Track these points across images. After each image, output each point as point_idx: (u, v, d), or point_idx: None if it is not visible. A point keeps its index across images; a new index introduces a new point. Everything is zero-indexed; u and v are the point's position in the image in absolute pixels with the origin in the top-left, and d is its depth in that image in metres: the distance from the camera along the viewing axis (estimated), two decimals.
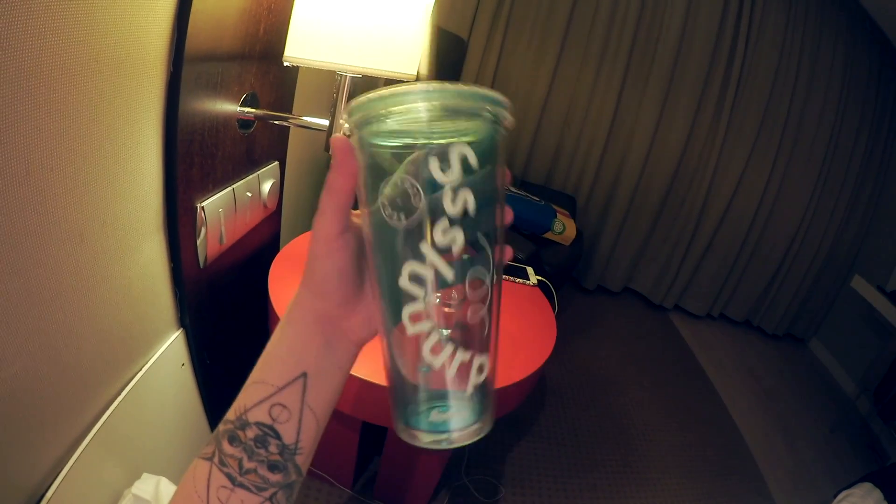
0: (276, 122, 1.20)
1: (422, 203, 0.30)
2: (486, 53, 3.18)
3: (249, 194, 1.16)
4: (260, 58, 1.06)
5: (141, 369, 0.93)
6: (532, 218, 2.57)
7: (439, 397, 0.33)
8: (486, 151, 0.31)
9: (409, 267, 0.31)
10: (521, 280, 1.61)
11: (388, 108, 0.29)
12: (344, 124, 0.29)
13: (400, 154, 0.31)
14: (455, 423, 0.33)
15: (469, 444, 0.34)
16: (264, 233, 1.34)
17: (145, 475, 0.93)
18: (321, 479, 1.62)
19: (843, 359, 3.59)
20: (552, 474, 1.97)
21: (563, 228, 2.65)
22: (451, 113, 0.29)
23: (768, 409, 2.94)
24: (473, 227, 0.31)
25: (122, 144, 0.74)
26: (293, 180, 1.63)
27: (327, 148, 1.02)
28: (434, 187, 0.30)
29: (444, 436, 0.33)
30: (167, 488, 0.92)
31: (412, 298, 0.31)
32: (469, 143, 0.30)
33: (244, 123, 1.08)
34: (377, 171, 0.32)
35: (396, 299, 0.32)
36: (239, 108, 1.04)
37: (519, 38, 3.18)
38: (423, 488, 1.58)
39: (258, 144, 1.18)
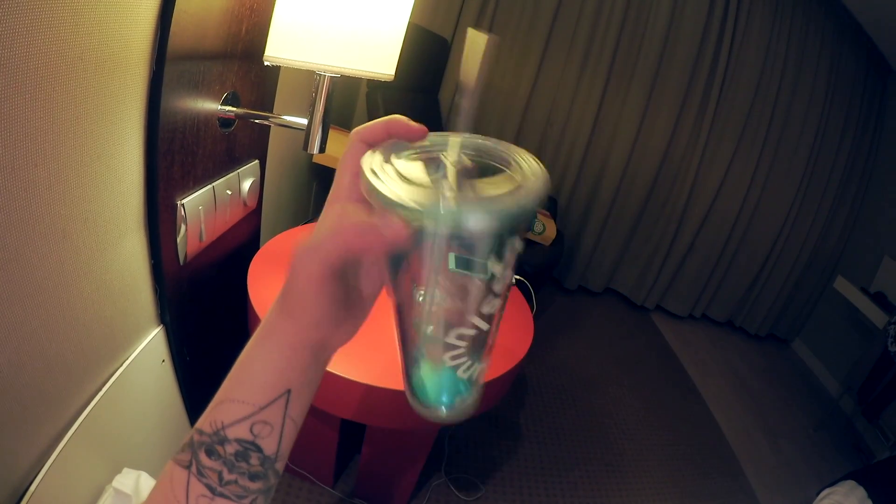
0: (257, 121, 1.21)
1: (475, 289, 0.33)
2: None
3: (229, 192, 1.17)
4: (242, 57, 1.07)
5: (122, 365, 0.94)
6: None
7: (453, 388, 0.37)
8: (523, 232, 0.33)
9: (458, 331, 0.34)
10: None
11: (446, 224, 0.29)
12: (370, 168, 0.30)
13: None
14: (462, 402, 0.38)
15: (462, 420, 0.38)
16: (244, 231, 1.35)
17: (126, 470, 0.94)
18: (302, 477, 1.62)
19: (826, 359, 3.64)
20: (533, 473, 1.98)
21: (544, 229, 2.67)
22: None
23: (751, 408, 2.98)
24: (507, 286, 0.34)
25: (104, 142, 0.74)
26: (273, 179, 1.64)
27: (306, 147, 1.04)
28: (485, 281, 0.32)
29: (454, 411, 0.37)
30: (147, 482, 0.93)
31: (455, 348, 0.35)
32: (516, 237, 0.32)
33: (225, 122, 1.08)
34: (434, 255, 0.32)
35: (440, 348, 0.35)
36: (220, 107, 1.04)
37: (503, 39, 3.19)
38: (404, 486, 1.59)
39: (239, 143, 1.19)
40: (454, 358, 0.35)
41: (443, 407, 0.37)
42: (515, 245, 0.32)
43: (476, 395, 0.38)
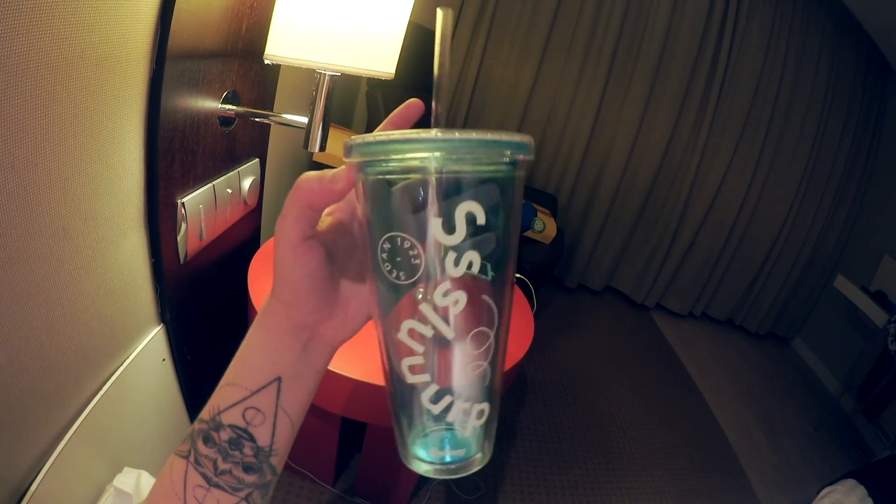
0: (257, 120, 1.21)
1: (422, 264, 0.28)
2: (469, 52, 3.20)
3: (230, 191, 1.17)
4: (242, 55, 1.07)
5: (122, 364, 0.94)
6: None
7: (438, 436, 0.33)
8: (498, 200, 0.28)
9: (409, 324, 0.29)
10: None
11: (389, 155, 0.27)
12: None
13: (403, 199, 0.28)
14: (453, 457, 0.32)
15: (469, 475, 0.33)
16: (244, 229, 1.35)
17: (126, 469, 0.94)
18: (302, 476, 1.62)
19: (826, 358, 3.64)
20: (533, 471, 1.98)
21: (544, 227, 2.67)
22: (459, 161, 0.27)
23: (751, 407, 2.98)
24: (480, 283, 0.29)
25: (104, 140, 0.74)
26: (273, 177, 1.64)
27: (306, 145, 1.04)
28: (436, 248, 0.27)
29: (442, 466, 0.32)
30: (148, 481, 0.93)
31: (411, 352, 0.30)
32: (479, 196, 0.27)
33: (225, 121, 1.08)
34: (380, 213, 0.29)
35: (395, 348, 0.31)
36: (220, 106, 1.04)
37: (503, 37, 3.19)
38: (404, 485, 1.59)
39: (239, 141, 1.19)
40: (413, 371, 0.30)
41: (412, 458, 0.33)
42: (479, 217, 0.27)
43: (467, 449, 0.32)
